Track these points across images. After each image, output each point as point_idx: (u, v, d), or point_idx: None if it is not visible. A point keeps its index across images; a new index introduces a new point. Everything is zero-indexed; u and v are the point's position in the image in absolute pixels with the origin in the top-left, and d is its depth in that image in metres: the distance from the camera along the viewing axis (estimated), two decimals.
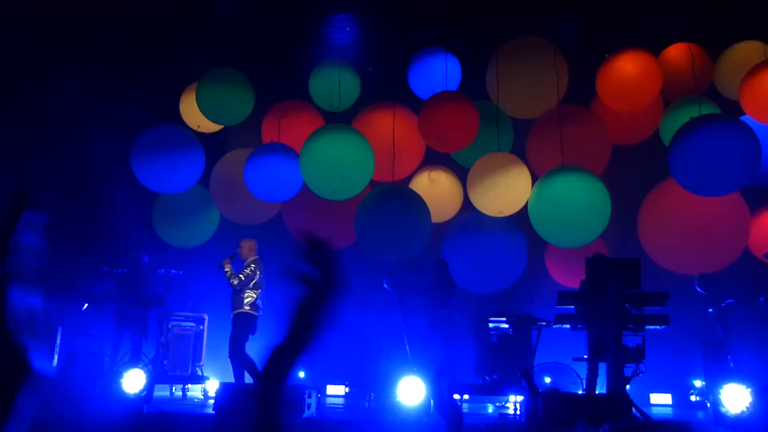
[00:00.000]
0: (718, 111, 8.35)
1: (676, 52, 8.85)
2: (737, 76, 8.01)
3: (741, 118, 7.81)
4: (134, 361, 7.49)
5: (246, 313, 7.03)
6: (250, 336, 6.96)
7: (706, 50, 8.74)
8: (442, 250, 8.93)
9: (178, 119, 9.57)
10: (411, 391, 6.61)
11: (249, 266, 7.19)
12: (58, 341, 7.45)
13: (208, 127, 9.57)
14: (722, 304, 6.74)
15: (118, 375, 6.86)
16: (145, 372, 6.91)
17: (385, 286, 7.92)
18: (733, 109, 8.23)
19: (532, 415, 2.58)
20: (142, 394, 6.70)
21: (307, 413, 6.20)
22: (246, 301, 7.05)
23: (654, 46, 8.72)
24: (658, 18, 8.41)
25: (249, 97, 9.12)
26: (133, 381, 6.77)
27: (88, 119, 8.78)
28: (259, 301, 7.12)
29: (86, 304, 8.20)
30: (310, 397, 6.38)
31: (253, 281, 7.12)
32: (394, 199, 8.46)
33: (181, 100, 9.63)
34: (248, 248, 7.36)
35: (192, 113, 9.43)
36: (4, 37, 7.99)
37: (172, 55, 9.22)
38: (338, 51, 9.34)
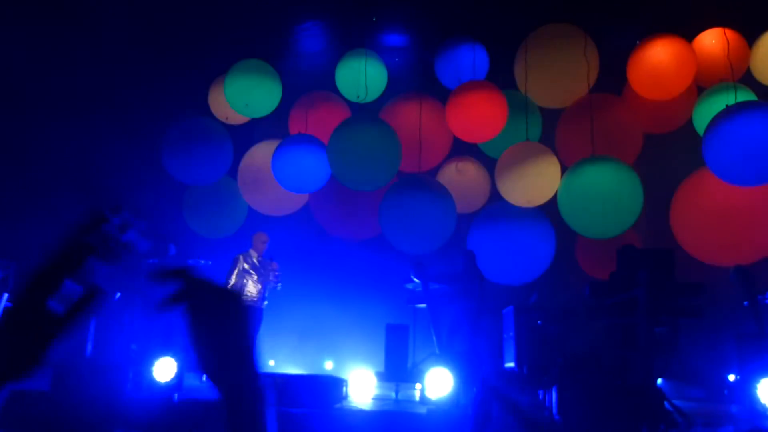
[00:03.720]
0: (755, 98, 8.12)
1: (711, 38, 8.62)
2: None
3: None
4: (164, 350, 7.59)
5: None
6: None
7: (741, 35, 8.50)
8: (470, 241, 8.87)
9: (207, 112, 9.66)
10: (439, 382, 6.59)
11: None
12: (92, 330, 7.59)
13: (236, 119, 9.64)
14: (758, 297, 6.57)
15: (149, 363, 6.96)
16: (176, 361, 6.99)
17: (412, 276, 7.89)
18: None
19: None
20: (173, 383, 6.78)
21: (335, 404, 6.23)
22: None
23: (687, 32, 8.51)
24: (691, 2, 8.19)
25: (276, 88, 9.15)
26: (164, 369, 6.85)
27: (117, 113, 8.91)
28: None
29: (119, 294, 8.33)
30: (338, 387, 6.41)
31: None
32: (420, 190, 8.42)
33: (209, 92, 9.71)
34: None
35: (220, 105, 9.50)
36: (29, 28, 8.13)
37: (200, 47, 9.29)
38: (364, 41, 9.31)
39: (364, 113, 8.96)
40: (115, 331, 8.18)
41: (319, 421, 5.74)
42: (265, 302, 7.51)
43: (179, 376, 6.78)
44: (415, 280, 7.87)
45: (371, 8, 9.05)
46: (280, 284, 7.34)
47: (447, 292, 8.12)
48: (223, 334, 0.96)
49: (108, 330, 8.07)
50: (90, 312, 0.99)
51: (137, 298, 8.23)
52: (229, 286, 7.44)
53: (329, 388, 6.13)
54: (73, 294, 0.98)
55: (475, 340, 7.91)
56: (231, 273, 7.47)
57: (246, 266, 7.37)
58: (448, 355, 7.46)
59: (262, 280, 7.38)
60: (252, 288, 7.22)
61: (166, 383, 6.73)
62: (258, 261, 7.40)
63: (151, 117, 9.18)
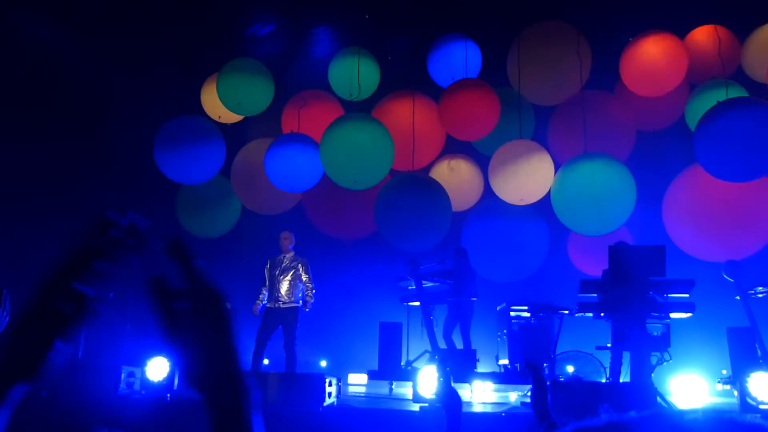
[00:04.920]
0: (746, 94, 8.15)
1: (702, 35, 8.65)
2: (765, 58, 7.81)
3: None
4: (156, 350, 7.57)
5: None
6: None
7: (732, 32, 8.53)
8: (463, 239, 8.88)
9: (200, 110, 9.64)
10: (431, 379, 6.61)
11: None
12: (84, 330, 7.57)
13: (229, 117, 9.63)
14: (749, 292, 6.59)
15: (142, 363, 6.95)
16: (168, 360, 6.97)
17: (406, 274, 7.89)
18: (761, 91, 8.03)
19: (542, 409, 2.48)
20: (166, 382, 6.78)
21: (327, 401, 6.22)
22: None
23: (679, 29, 8.54)
24: (683, 0, 8.22)
25: (269, 87, 9.14)
26: (157, 369, 6.84)
27: (110, 112, 8.89)
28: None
29: (111, 294, 8.31)
30: (330, 385, 6.40)
31: None
32: (415, 187, 8.42)
33: (202, 91, 9.70)
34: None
35: (213, 104, 9.49)
36: (27, 32, 8.11)
37: (193, 46, 9.27)
38: (356, 39, 9.30)
39: (357, 112, 8.95)
40: (108, 331, 8.15)
41: (312, 420, 5.74)
42: (302, 302, 7.34)
43: (172, 376, 6.77)
44: (409, 278, 7.87)
45: (364, 6, 9.05)
46: (309, 297, 7.23)
47: (440, 290, 8.13)
48: (207, 335, 0.95)
49: (100, 330, 8.05)
50: (93, 315, 1.02)
51: (130, 298, 8.20)
52: (263, 291, 7.38)
53: (322, 386, 6.13)
54: (79, 297, 1.01)
55: (466, 336, 7.92)
56: (263, 279, 7.46)
57: (273, 271, 7.29)
58: (441, 352, 7.47)
59: (295, 279, 7.26)
60: (284, 289, 7.15)
61: (159, 383, 6.73)
62: (290, 261, 7.32)
63: (143, 115, 9.15)
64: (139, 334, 8.15)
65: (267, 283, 7.28)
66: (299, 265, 7.19)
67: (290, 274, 7.14)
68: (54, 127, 9.05)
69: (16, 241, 8.52)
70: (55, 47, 8.64)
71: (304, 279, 7.19)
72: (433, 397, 5.99)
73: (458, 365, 7.28)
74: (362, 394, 7.79)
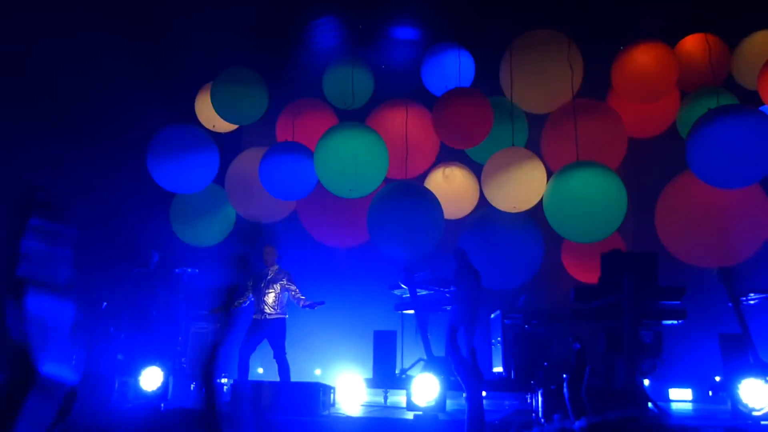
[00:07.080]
0: (737, 101, 8.22)
1: (693, 43, 8.73)
2: (755, 66, 7.89)
3: (760, 108, 7.68)
4: (150, 359, 7.56)
5: None
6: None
7: (723, 40, 8.61)
8: (460, 246, 8.88)
9: (194, 119, 9.66)
10: (426, 388, 6.62)
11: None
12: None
13: (223, 126, 9.65)
14: (741, 298, 6.62)
15: (135, 373, 6.94)
16: (162, 370, 6.98)
17: (400, 282, 7.89)
18: (751, 99, 8.10)
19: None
20: (160, 392, 6.77)
21: (323, 411, 6.23)
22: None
23: (670, 37, 8.62)
24: (673, 8, 8.30)
25: (263, 96, 9.17)
26: (151, 379, 6.84)
27: (103, 120, 8.89)
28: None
29: (105, 303, 8.30)
30: (326, 394, 6.42)
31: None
32: (407, 196, 8.45)
33: (196, 100, 9.72)
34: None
35: (207, 113, 9.51)
36: (19, 34, 8.11)
37: (187, 55, 9.30)
38: (350, 48, 9.35)
39: (351, 120, 8.98)
40: (102, 340, 8.14)
41: (307, 429, 5.75)
42: (306, 305, 7.27)
43: (166, 385, 6.77)
44: (403, 286, 7.87)
45: (358, 15, 9.10)
46: (302, 298, 7.20)
47: (435, 298, 8.11)
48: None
49: (95, 339, 8.03)
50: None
51: (124, 307, 8.20)
52: (242, 301, 7.41)
53: (316, 395, 6.14)
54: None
55: (471, 343, 7.88)
56: (245, 291, 7.48)
57: (258, 284, 7.31)
58: (439, 360, 7.45)
59: (282, 293, 7.27)
60: (270, 300, 7.20)
61: (153, 392, 6.73)
62: (275, 273, 7.37)
63: (137, 124, 9.16)
64: (134, 344, 8.14)
65: (250, 296, 7.32)
66: (284, 278, 7.24)
67: (276, 285, 7.20)
68: (44, 136, 9.03)
69: (6, 255, 8.49)
70: (49, 52, 8.64)
71: (293, 289, 7.23)
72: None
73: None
74: (357, 403, 7.78)
